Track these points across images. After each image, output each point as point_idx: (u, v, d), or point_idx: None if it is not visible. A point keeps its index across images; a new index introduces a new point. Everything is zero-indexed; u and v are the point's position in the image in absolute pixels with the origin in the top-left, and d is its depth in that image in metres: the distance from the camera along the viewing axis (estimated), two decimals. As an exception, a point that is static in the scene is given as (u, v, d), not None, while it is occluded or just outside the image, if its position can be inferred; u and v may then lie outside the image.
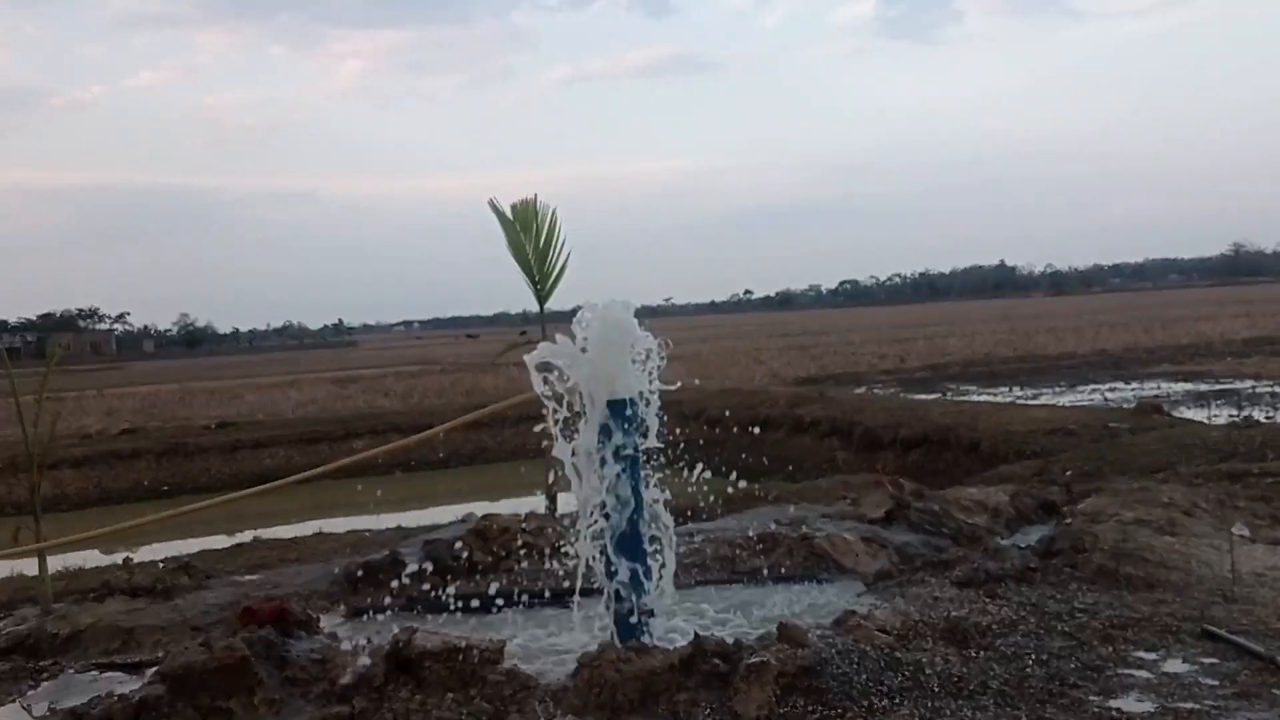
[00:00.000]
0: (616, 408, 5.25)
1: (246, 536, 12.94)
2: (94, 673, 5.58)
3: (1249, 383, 22.33)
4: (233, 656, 4.72)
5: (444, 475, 22.31)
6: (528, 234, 9.65)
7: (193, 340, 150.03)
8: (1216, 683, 4.44)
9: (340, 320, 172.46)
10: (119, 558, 12.72)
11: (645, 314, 5.75)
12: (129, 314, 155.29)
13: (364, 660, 4.80)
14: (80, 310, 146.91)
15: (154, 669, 5.05)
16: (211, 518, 16.77)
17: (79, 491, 21.31)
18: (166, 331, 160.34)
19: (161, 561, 8.07)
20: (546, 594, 6.23)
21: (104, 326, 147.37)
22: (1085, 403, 20.88)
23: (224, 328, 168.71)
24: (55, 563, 10.18)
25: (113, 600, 6.66)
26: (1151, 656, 4.81)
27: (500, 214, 9.70)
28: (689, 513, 9.41)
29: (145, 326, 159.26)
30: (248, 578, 7.49)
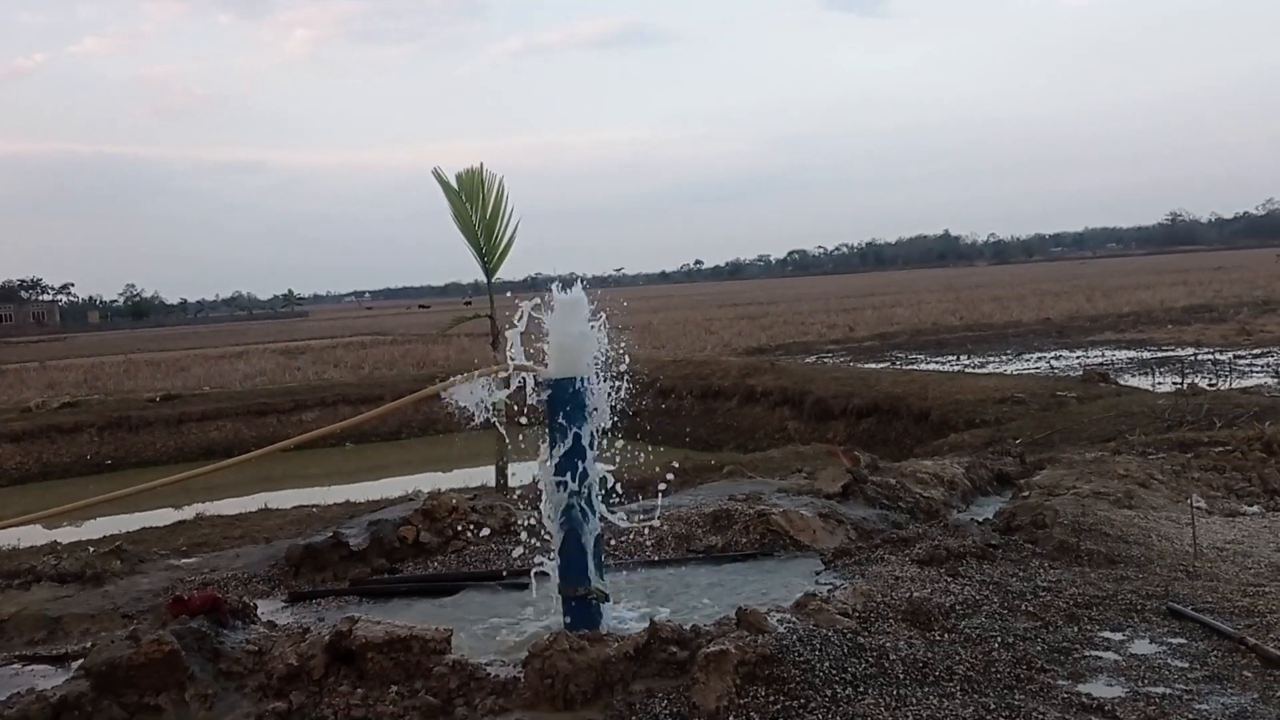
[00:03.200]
0: (564, 385, 5.04)
1: (189, 513, 12.59)
2: (16, 666, 5.28)
3: (1190, 350, 22.54)
4: (161, 650, 4.45)
5: (396, 447, 22.02)
6: (474, 204, 9.31)
7: (139, 311, 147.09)
8: (1186, 665, 4.33)
9: (290, 290, 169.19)
10: (54, 536, 12.36)
11: (596, 284, 5.55)
12: (73, 285, 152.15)
13: (302, 652, 4.56)
14: (22, 281, 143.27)
15: (79, 663, 4.78)
16: (157, 492, 16.36)
17: (18, 466, 20.69)
18: (112, 302, 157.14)
19: (92, 545, 7.73)
20: (502, 576, 6.02)
21: (47, 298, 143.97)
22: (1032, 370, 20.96)
23: (172, 298, 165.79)
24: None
25: (39, 587, 6.33)
26: (1118, 637, 4.70)
27: (445, 183, 9.37)
28: (644, 488, 9.26)
29: (90, 297, 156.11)
30: (184, 561, 7.18)
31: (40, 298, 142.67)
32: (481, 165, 9.33)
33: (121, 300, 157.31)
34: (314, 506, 11.74)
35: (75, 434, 21.72)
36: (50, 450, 21.25)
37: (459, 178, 9.33)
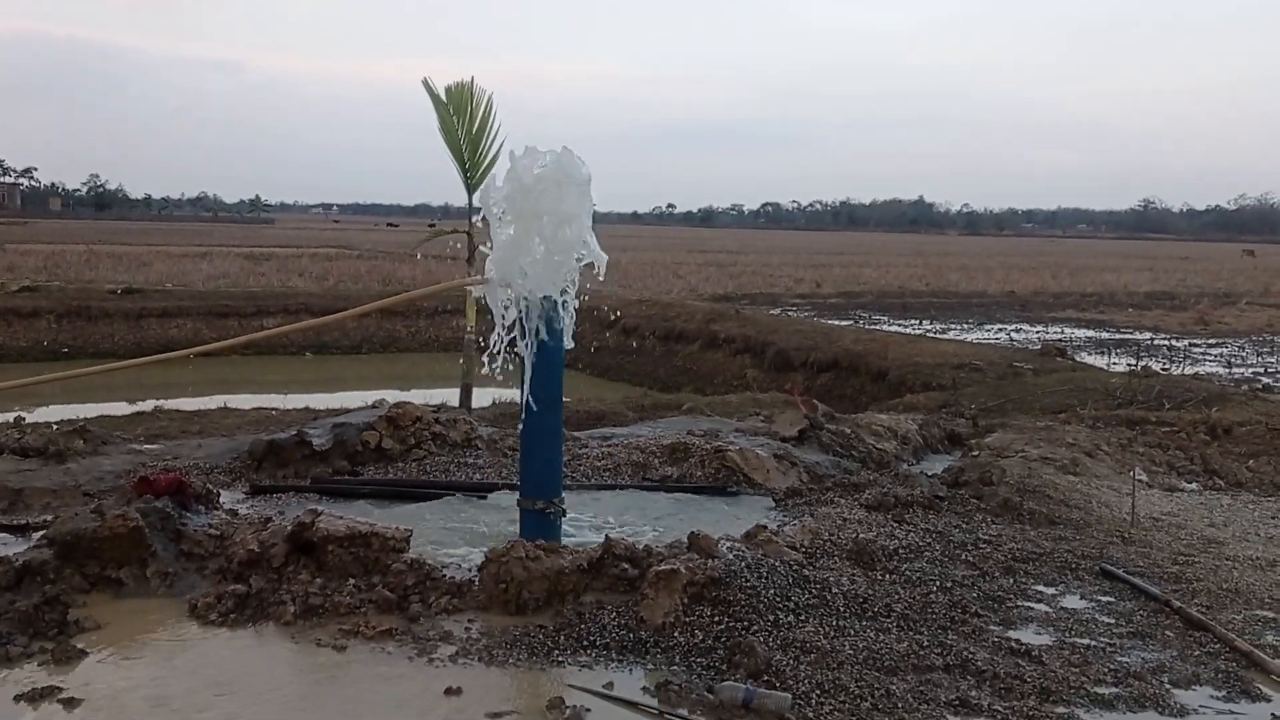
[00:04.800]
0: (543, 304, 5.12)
1: (148, 405, 12.57)
2: (-24, 532, 5.33)
3: (1147, 334, 22.95)
4: (126, 526, 4.53)
5: (355, 361, 22.00)
6: (461, 118, 9.29)
7: (102, 203, 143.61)
8: (1113, 620, 4.55)
9: (258, 196, 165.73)
10: (9, 416, 12.31)
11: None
12: (36, 170, 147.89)
13: (264, 540, 4.66)
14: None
15: (41, 533, 4.85)
16: (113, 384, 16.30)
17: (-29, 347, 20.46)
18: (75, 191, 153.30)
19: (55, 423, 7.74)
20: (464, 486, 6.13)
21: (9, 180, 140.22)
22: (992, 341, 21.26)
23: (136, 193, 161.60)
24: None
25: (1, 459, 6.37)
26: (1051, 591, 4.92)
27: (434, 95, 9.32)
28: (602, 418, 9.39)
29: (53, 184, 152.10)
30: (147, 447, 7.23)
31: (1, 180, 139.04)
32: (472, 79, 9.30)
33: (85, 190, 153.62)
34: (273, 409, 11.77)
35: (33, 319, 21.47)
36: (6, 333, 21.00)
37: (448, 90, 9.29)
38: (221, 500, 5.54)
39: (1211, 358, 18.89)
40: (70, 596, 4.31)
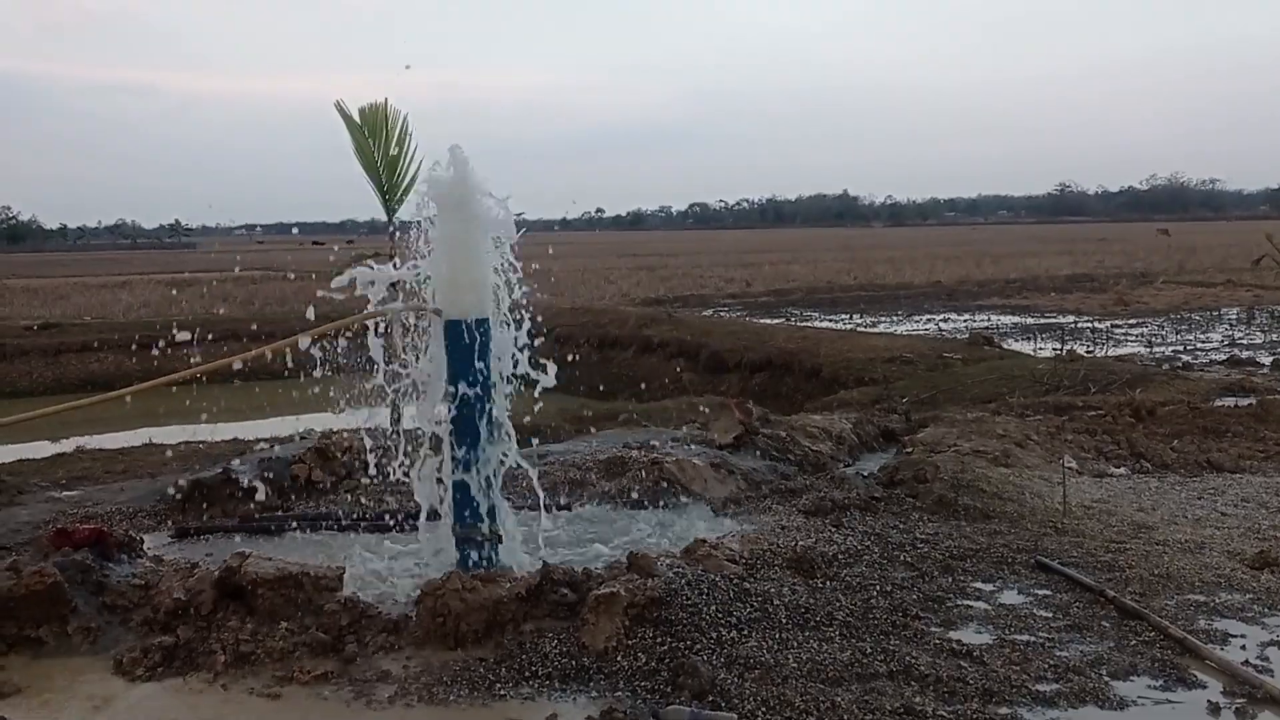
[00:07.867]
0: (465, 328, 5.04)
1: (68, 445, 12.18)
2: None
3: (1070, 317, 23.41)
4: (43, 583, 4.37)
5: (288, 385, 21.50)
6: (376, 140, 9.17)
7: (15, 235, 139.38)
8: (1050, 615, 4.60)
9: (178, 220, 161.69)
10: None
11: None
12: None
13: (190, 587, 4.52)
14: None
15: (-46, 594, 4.65)
16: (35, 423, 15.77)
17: (-123, 392, 19.74)
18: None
19: (-34, 475, 7.47)
20: (389, 518, 6.02)
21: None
22: (921, 332, 21.54)
23: (50, 223, 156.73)
24: None
25: (-91, 517, 6.13)
26: (989, 588, 4.96)
27: (348, 118, 9.18)
28: (539, 433, 9.31)
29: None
30: (65, 494, 7.01)
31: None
32: (386, 100, 9.19)
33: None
34: (201, 443, 11.48)
35: (-56, 361, 20.82)
36: (-85, 378, 20.33)
37: (362, 112, 9.16)
38: (146, 546, 5.37)
39: (1133, 338, 19.30)
40: (-13, 660, 4.14)
